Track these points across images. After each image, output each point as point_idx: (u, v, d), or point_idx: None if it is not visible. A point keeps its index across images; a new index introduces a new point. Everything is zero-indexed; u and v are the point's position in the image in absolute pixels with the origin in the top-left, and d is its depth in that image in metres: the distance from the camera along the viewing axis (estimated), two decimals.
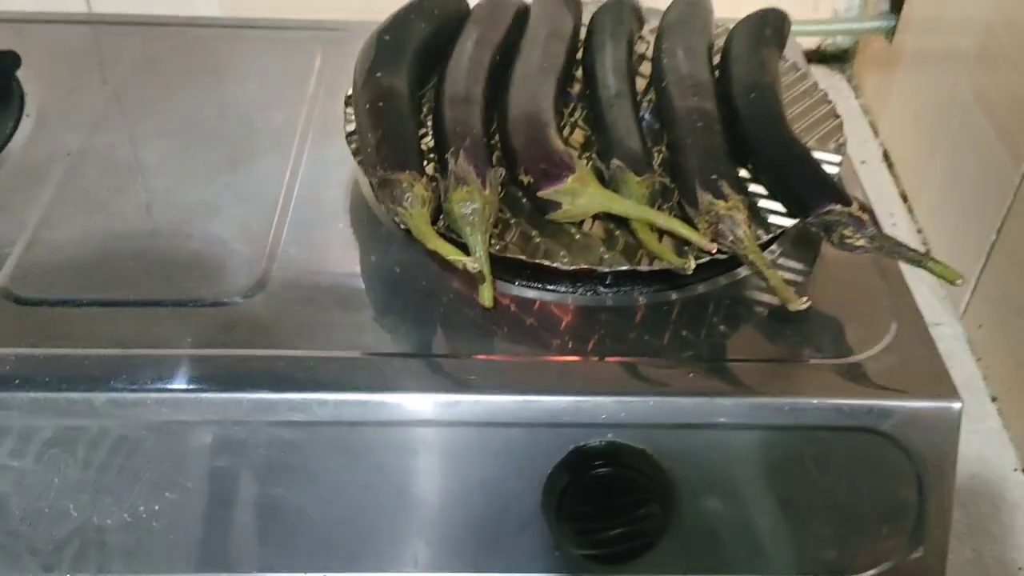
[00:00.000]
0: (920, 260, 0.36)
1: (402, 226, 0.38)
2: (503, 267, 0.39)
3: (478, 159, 0.38)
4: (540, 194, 0.38)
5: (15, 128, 0.46)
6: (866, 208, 0.38)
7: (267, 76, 0.53)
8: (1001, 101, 0.50)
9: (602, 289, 0.39)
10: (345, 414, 0.34)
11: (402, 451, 0.35)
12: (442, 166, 0.39)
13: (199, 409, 0.34)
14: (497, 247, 0.38)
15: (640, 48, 0.51)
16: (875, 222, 0.37)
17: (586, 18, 0.51)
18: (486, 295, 0.36)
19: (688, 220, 0.38)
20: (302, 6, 0.71)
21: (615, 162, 0.40)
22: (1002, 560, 0.42)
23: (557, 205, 0.38)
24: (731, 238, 0.37)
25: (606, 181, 0.40)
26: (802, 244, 0.43)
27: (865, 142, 0.68)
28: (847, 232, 0.37)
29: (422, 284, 0.40)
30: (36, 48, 0.53)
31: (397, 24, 0.46)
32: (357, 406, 0.34)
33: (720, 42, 0.50)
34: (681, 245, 0.38)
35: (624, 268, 0.38)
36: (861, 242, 0.37)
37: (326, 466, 0.35)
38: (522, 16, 0.49)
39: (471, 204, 0.37)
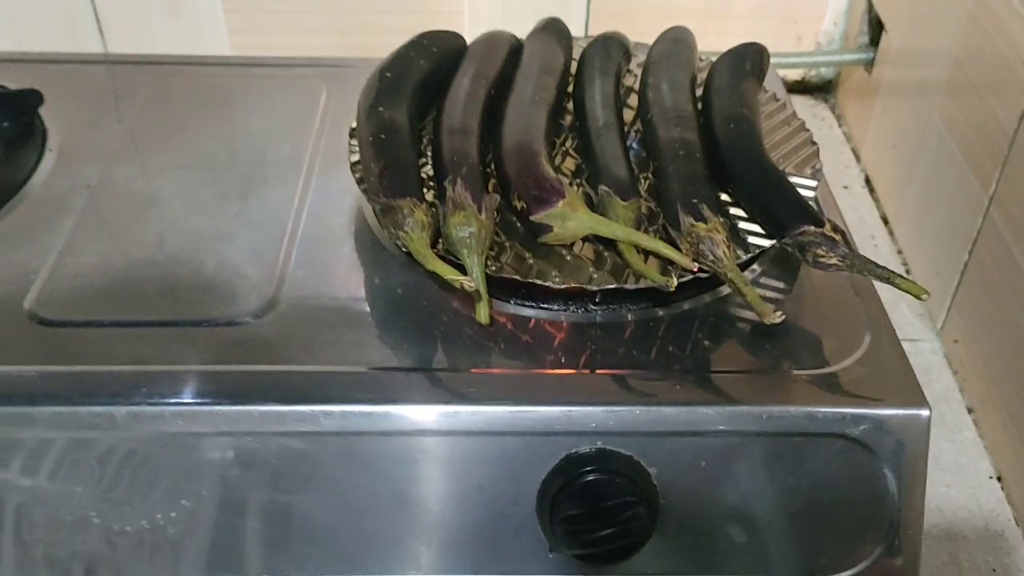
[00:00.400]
0: (888, 277, 0.39)
1: (403, 249, 0.40)
2: (499, 287, 0.41)
3: (474, 186, 0.41)
4: (532, 218, 0.40)
5: (38, 161, 0.49)
6: (838, 229, 0.40)
7: (275, 111, 0.56)
8: (969, 129, 0.52)
9: (592, 307, 0.42)
10: (351, 425, 0.37)
11: (404, 459, 0.37)
12: (441, 193, 0.42)
13: (213, 421, 0.36)
14: (493, 268, 0.40)
15: (628, 81, 0.54)
16: (847, 242, 0.40)
17: (577, 54, 0.54)
18: (482, 313, 0.38)
19: (672, 241, 0.41)
20: (308, 45, 0.75)
21: (602, 188, 0.42)
22: (976, 563, 0.43)
23: (548, 228, 0.40)
24: (711, 258, 0.39)
25: (594, 206, 0.42)
26: (782, 264, 0.45)
27: (848, 168, 0.71)
28: (820, 251, 0.40)
29: (423, 304, 0.42)
30: (57, 87, 0.55)
31: (398, 61, 0.48)
32: (362, 417, 0.37)
33: (703, 75, 0.53)
34: (666, 265, 0.41)
35: (612, 286, 0.40)
36: (833, 261, 0.39)
37: (332, 474, 0.37)
38: (516, 52, 0.52)
39: (468, 228, 0.39)
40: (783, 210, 0.41)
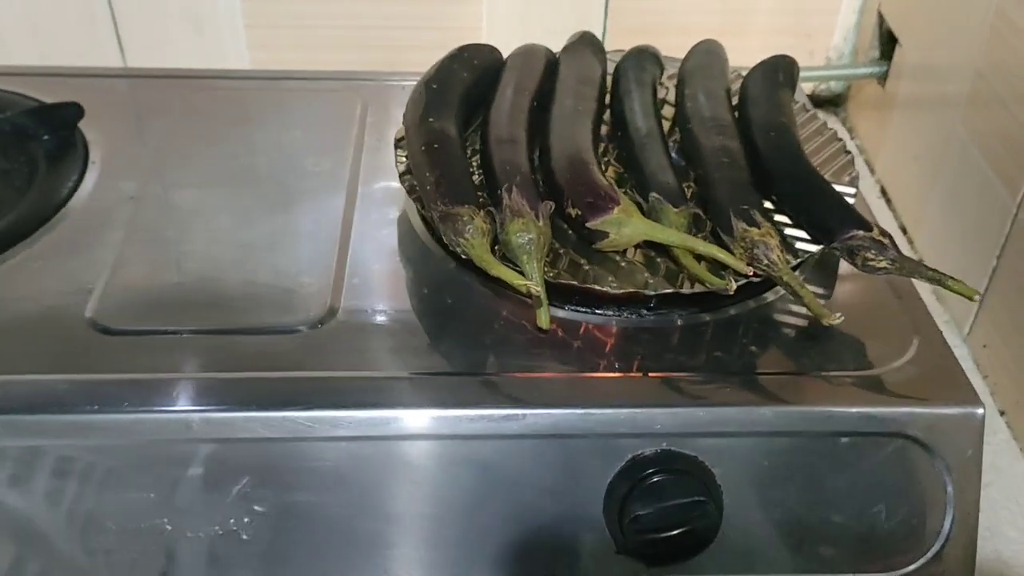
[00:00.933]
0: (939, 279, 0.40)
1: (463, 255, 0.41)
2: (553, 293, 0.41)
3: (529, 193, 0.41)
4: (589, 225, 0.41)
5: (83, 174, 0.49)
6: (886, 233, 0.41)
7: (311, 124, 0.56)
8: (994, 138, 0.54)
9: (644, 312, 0.42)
10: (417, 429, 0.37)
11: (471, 463, 0.37)
12: (494, 201, 0.42)
13: (287, 427, 0.36)
14: (551, 274, 0.41)
15: (660, 93, 0.55)
16: (895, 245, 0.41)
17: (610, 67, 0.55)
18: (544, 318, 0.39)
19: (723, 246, 0.42)
20: (327, 61, 0.75)
21: (653, 195, 0.43)
22: (1022, 560, 0.44)
23: (604, 235, 0.41)
24: (766, 262, 0.40)
25: (645, 213, 0.43)
26: (820, 270, 0.46)
27: (863, 179, 0.72)
28: (870, 255, 0.41)
29: (473, 312, 0.42)
30: (91, 101, 0.55)
31: (442, 73, 0.49)
32: (430, 421, 0.37)
33: (735, 87, 0.54)
34: (718, 270, 0.42)
35: (668, 291, 0.41)
36: (883, 264, 0.40)
37: (400, 479, 0.37)
38: (552, 65, 0.53)
39: (527, 234, 0.40)
40: (831, 216, 0.42)
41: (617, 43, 0.59)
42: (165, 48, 0.74)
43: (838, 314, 0.40)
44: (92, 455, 0.36)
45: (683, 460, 0.37)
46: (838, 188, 0.47)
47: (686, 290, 0.41)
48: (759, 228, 0.41)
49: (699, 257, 0.42)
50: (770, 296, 0.44)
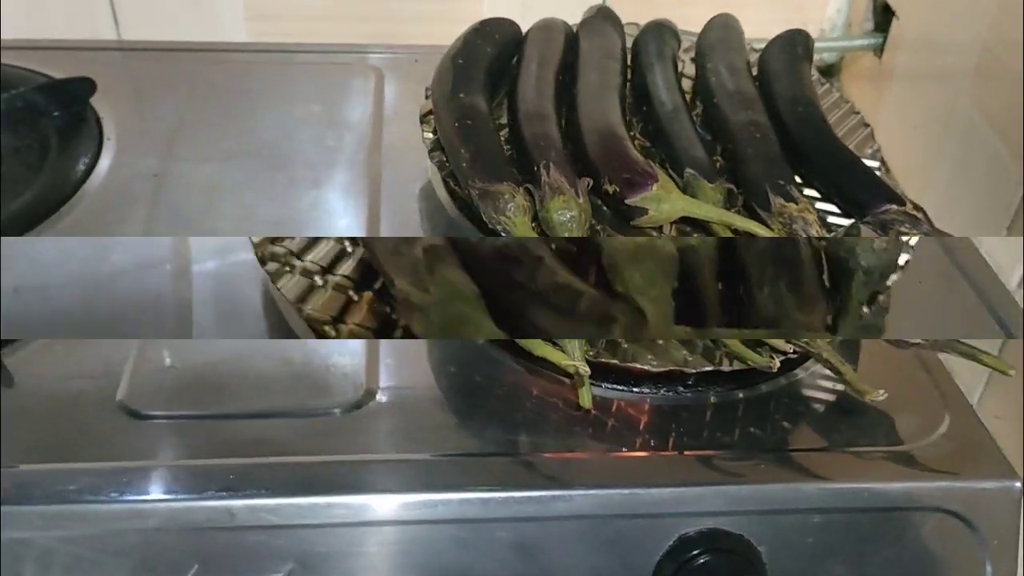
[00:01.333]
0: (972, 354, 0.38)
1: (503, 233, 0.40)
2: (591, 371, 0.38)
3: (567, 170, 0.41)
4: (628, 201, 0.41)
5: (100, 151, 0.48)
6: (919, 207, 0.42)
7: (327, 98, 0.55)
8: (1003, 112, 0.55)
9: (681, 389, 0.41)
10: (465, 512, 0.36)
11: (517, 546, 0.36)
12: (526, 176, 0.42)
13: (340, 512, 0.35)
14: (590, 353, 0.38)
15: (678, 67, 0.55)
16: (928, 219, 0.41)
17: (628, 41, 0.55)
18: (587, 397, 0.37)
19: (758, 221, 0.42)
20: (326, 32, 0.74)
21: (689, 171, 0.43)
22: None
23: (643, 211, 0.41)
24: (804, 236, 0.40)
25: (681, 188, 0.43)
26: (843, 345, 0.43)
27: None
28: (903, 229, 0.41)
29: (504, 391, 0.40)
30: (93, 75, 0.53)
31: (467, 48, 0.49)
32: (478, 504, 0.36)
33: (752, 59, 0.54)
34: (755, 347, 0.39)
35: (708, 368, 0.39)
36: (915, 341, 0.39)
37: (446, 562, 0.36)
38: (571, 39, 0.53)
39: (568, 212, 0.40)
40: (863, 189, 0.43)
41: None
42: (161, 17, 0.72)
43: (881, 391, 0.37)
44: (133, 543, 0.34)
45: (729, 539, 0.37)
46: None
47: (726, 367, 0.39)
48: (797, 203, 0.41)
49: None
50: (800, 373, 0.43)
